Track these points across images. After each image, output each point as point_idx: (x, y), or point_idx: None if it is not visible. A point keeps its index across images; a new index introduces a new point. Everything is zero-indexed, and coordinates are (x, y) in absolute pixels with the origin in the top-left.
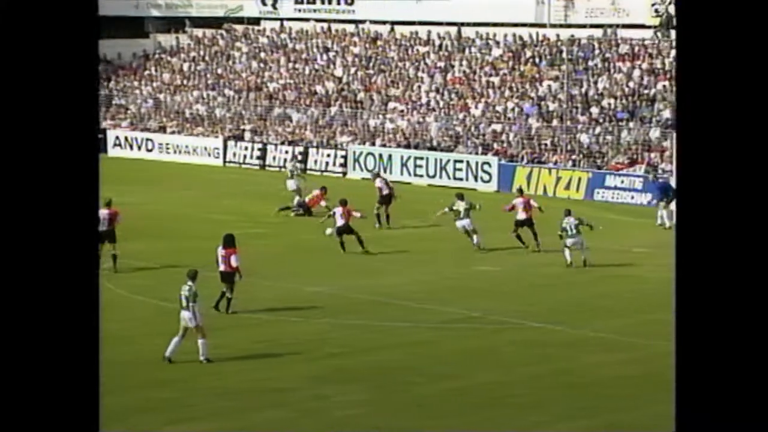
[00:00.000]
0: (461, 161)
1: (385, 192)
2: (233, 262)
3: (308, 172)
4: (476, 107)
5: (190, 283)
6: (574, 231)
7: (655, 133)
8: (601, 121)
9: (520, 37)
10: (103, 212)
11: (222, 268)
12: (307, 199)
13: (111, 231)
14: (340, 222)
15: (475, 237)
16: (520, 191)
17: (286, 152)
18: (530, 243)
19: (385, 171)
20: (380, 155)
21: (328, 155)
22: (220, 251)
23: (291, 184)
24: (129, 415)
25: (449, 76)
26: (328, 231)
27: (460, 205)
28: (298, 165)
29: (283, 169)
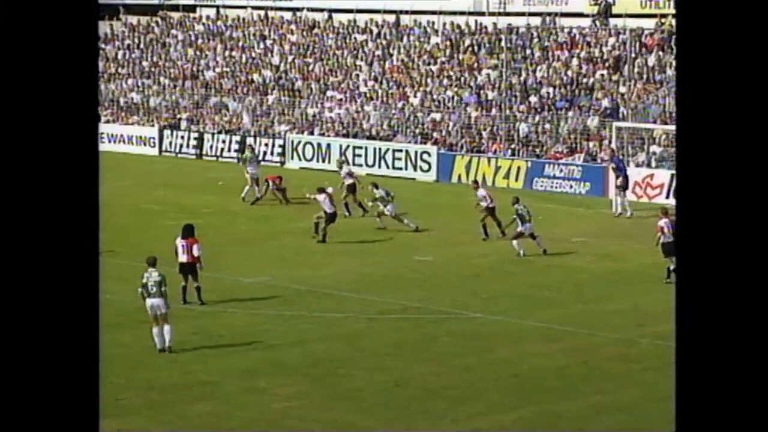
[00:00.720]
0: (400, 150)
1: (349, 182)
2: (195, 252)
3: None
4: (415, 96)
5: (153, 270)
6: (527, 217)
7: (593, 122)
8: (539, 109)
9: (459, 26)
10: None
11: (184, 258)
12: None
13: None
14: (330, 209)
15: (405, 219)
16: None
17: (224, 141)
18: (495, 231)
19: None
20: (318, 144)
21: (266, 144)
22: (180, 242)
23: (251, 170)
24: None
25: (387, 65)
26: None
27: (380, 192)
28: (254, 152)
29: (220, 159)
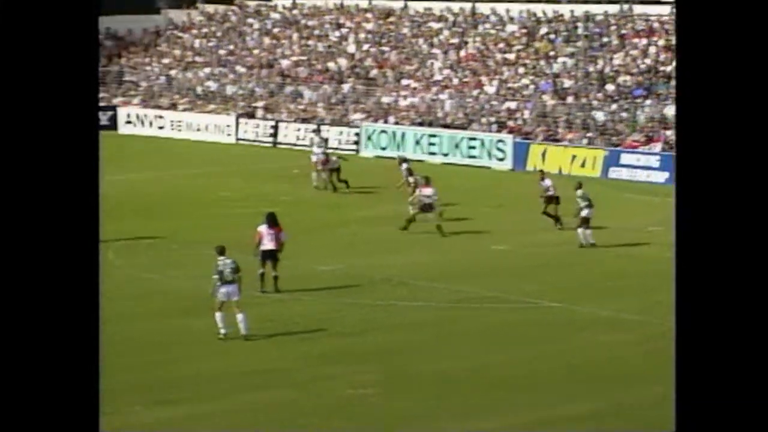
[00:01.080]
0: (475, 139)
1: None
2: (283, 239)
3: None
4: (490, 84)
5: (224, 258)
6: (588, 202)
7: (671, 111)
8: (616, 98)
9: (535, 14)
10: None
11: (271, 246)
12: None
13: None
14: (428, 200)
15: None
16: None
17: (298, 130)
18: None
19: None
20: (393, 133)
21: (340, 133)
22: (266, 230)
23: (316, 154)
24: (127, 393)
25: (463, 53)
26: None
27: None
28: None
29: (295, 147)
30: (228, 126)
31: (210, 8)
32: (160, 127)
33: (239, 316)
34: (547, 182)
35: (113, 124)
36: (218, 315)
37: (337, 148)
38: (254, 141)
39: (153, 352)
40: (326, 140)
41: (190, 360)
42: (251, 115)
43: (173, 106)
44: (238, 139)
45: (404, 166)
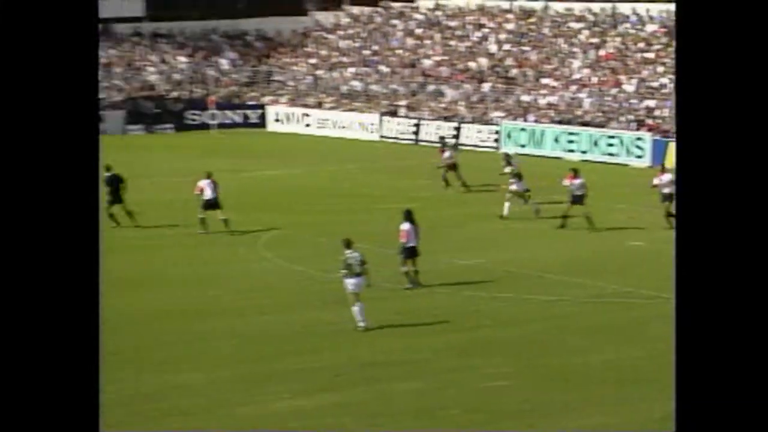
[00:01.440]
0: (614, 137)
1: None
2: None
3: (460, 147)
4: (629, 83)
5: (351, 251)
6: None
7: None
8: None
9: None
10: (205, 182)
11: (414, 243)
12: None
13: (215, 199)
14: (579, 191)
15: (529, 201)
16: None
17: (439, 128)
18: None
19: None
20: (532, 131)
21: (480, 131)
22: (409, 227)
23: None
24: (267, 381)
25: (602, 53)
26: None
27: (511, 169)
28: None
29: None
30: (372, 124)
31: (356, 10)
32: (307, 125)
33: (359, 307)
34: (667, 176)
35: (262, 121)
36: (354, 307)
37: (476, 146)
38: (397, 138)
39: (297, 341)
40: (455, 146)
41: (334, 349)
42: (394, 113)
43: (319, 105)
44: (381, 137)
45: (508, 168)
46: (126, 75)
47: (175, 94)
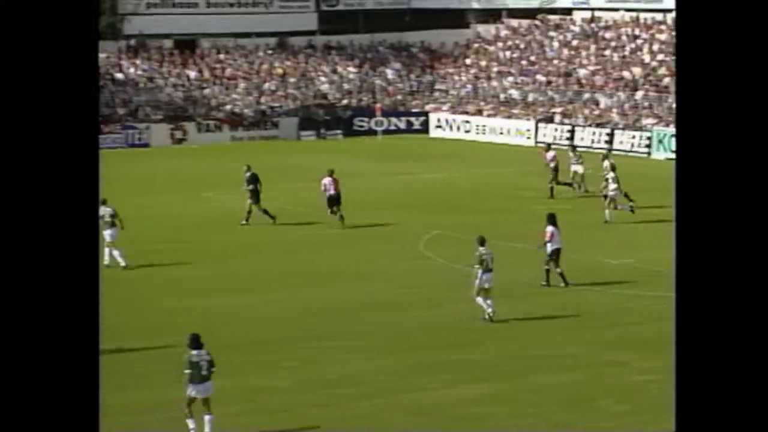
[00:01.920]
0: None
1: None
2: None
3: (613, 152)
4: None
5: (484, 248)
6: None
7: None
8: None
9: None
10: (328, 179)
11: (558, 245)
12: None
13: (337, 195)
14: None
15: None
16: None
17: (593, 134)
18: None
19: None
20: None
21: (633, 137)
22: (553, 229)
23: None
24: (425, 372)
25: None
26: None
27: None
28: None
29: (590, 150)
30: (528, 130)
31: (515, 22)
32: (467, 131)
33: (489, 302)
34: None
35: (425, 128)
36: (479, 299)
37: (629, 151)
38: (552, 144)
39: (454, 334)
40: (580, 156)
41: (489, 343)
42: (550, 120)
43: (479, 112)
44: (537, 142)
45: (607, 162)
46: (300, 84)
47: (344, 102)
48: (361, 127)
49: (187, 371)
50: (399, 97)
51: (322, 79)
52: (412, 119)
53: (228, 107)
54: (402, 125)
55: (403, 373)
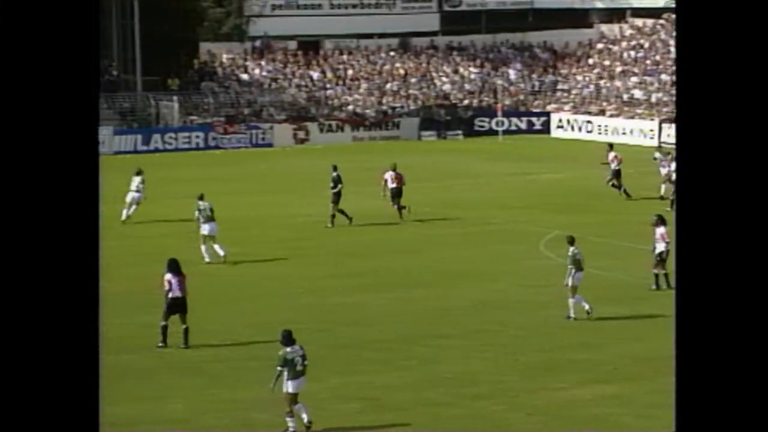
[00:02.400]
0: None
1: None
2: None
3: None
4: None
5: (575, 248)
6: None
7: None
8: None
9: None
10: (389, 174)
11: (663, 247)
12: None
13: (399, 189)
14: None
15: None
16: None
17: None
18: None
19: None
20: None
21: None
22: (663, 231)
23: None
24: (547, 372)
25: None
26: None
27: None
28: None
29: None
30: (651, 130)
31: (639, 22)
32: (588, 131)
33: (576, 298)
34: None
35: (546, 128)
36: (571, 300)
37: None
38: (675, 144)
39: (576, 335)
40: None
41: (610, 344)
42: (673, 121)
43: (601, 113)
44: (660, 143)
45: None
46: (421, 85)
47: (465, 102)
48: (482, 127)
49: (281, 368)
50: (521, 97)
51: (444, 79)
52: (534, 119)
53: (350, 107)
54: (523, 125)
55: (524, 373)
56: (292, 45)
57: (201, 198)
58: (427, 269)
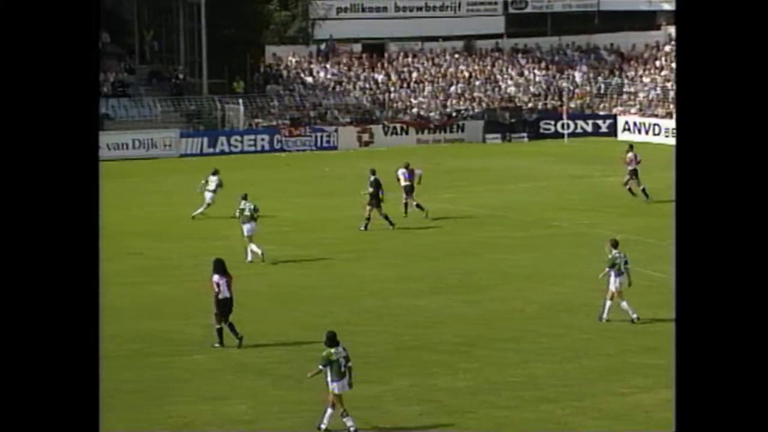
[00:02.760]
0: None
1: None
2: None
3: None
4: None
5: (616, 251)
6: None
7: None
8: None
9: None
10: (402, 171)
11: None
12: None
13: (411, 186)
14: None
15: None
16: None
17: None
18: None
19: None
20: None
21: None
22: None
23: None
24: (610, 375)
25: None
26: None
27: None
28: None
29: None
30: None
31: None
32: (656, 134)
33: (623, 304)
34: None
35: (612, 131)
36: (608, 303)
37: None
38: (676, 144)
39: (639, 339)
40: None
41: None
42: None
43: (668, 115)
44: None
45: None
46: (486, 87)
47: (530, 105)
48: (547, 130)
49: (323, 367)
50: (586, 99)
51: (509, 82)
52: (600, 122)
53: (414, 110)
54: (589, 128)
55: (589, 377)
56: (357, 48)
57: (245, 198)
58: (490, 272)
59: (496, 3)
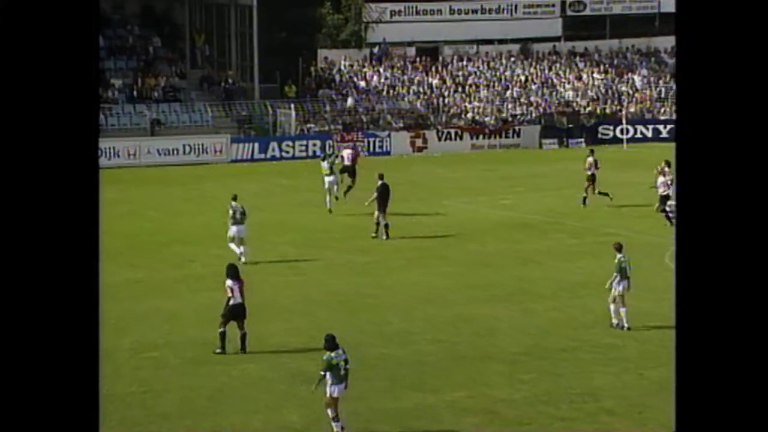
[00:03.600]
0: None
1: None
2: None
3: None
4: None
5: (621, 255)
6: None
7: None
8: None
9: None
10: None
11: None
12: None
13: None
14: None
15: None
16: None
17: None
18: None
19: None
20: None
21: None
22: None
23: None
24: (668, 388)
25: None
26: None
27: None
28: None
29: None
30: None
31: None
32: None
33: (623, 310)
34: None
35: (673, 136)
36: (613, 306)
37: None
38: (676, 144)
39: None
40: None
41: None
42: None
43: None
44: None
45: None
46: (542, 91)
47: (588, 109)
48: (606, 135)
49: (324, 372)
50: (646, 104)
51: (566, 86)
52: (660, 127)
53: (469, 115)
54: (649, 133)
55: (649, 389)
56: (411, 51)
57: (234, 199)
58: (548, 280)
59: (553, 5)
